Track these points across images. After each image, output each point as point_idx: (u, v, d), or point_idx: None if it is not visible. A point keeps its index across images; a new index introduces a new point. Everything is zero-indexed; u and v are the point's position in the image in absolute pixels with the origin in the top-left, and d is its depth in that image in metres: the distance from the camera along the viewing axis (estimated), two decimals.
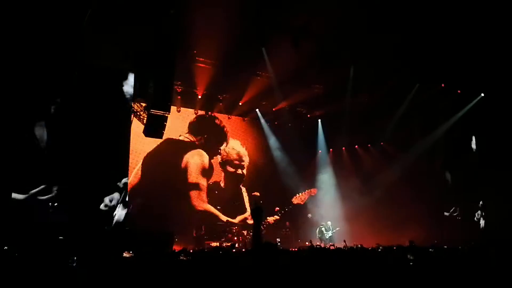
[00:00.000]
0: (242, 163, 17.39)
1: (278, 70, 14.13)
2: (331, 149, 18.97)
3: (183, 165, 15.86)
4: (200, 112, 16.53)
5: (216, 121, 16.98)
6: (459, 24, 11.67)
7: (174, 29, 11.20)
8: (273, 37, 12.63)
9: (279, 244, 14.29)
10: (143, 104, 13.88)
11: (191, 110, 16.19)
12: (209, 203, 16.09)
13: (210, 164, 16.45)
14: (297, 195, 16.73)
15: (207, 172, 16.27)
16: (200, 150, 16.33)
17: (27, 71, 10.13)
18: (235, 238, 15.25)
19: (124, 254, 5.76)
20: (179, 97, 15.12)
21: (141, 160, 14.97)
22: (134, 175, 14.54)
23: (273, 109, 17.03)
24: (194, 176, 15.96)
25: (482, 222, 18.88)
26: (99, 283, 3.58)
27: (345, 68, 14.59)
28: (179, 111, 15.69)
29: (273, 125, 17.73)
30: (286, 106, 16.80)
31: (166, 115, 12.10)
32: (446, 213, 17.61)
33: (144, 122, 13.31)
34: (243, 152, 17.52)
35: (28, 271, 3.69)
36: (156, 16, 10.81)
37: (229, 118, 17.10)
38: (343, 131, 17.42)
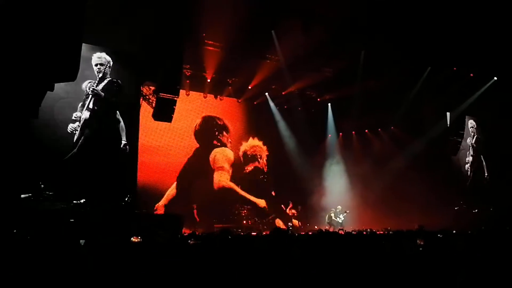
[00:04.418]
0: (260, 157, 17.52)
1: (287, 54, 13.99)
2: (340, 133, 18.86)
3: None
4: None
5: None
6: (472, 5, 11.41)
7: (183, 11, 11.10)
8: (282, 20, 12.47)
9: (290, 228, 14.37)
10: (152, 88, 13.89)
11: (200, 94, 16.13)
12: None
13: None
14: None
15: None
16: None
17: None
18: (244, 221, 15.35)
19: (133, 239, 5.77)
20: (188, 81, 15.07)
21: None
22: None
23: (283, 93, 16.91)
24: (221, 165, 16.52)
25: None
26: (106, 269, 3.60)
27: (356, 51, 14.39)
28: (188, 95, 15.65)
29: (283, 109, 17.64)
30: (296, 90, 16.63)
31: (175, 98, 12.09)
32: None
33: (154, 105, 13.33)
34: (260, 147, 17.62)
35: (39, 254, 3.73)
36: None
37: (238, 102, 17.02)
38: (353, 115, 17.24)
